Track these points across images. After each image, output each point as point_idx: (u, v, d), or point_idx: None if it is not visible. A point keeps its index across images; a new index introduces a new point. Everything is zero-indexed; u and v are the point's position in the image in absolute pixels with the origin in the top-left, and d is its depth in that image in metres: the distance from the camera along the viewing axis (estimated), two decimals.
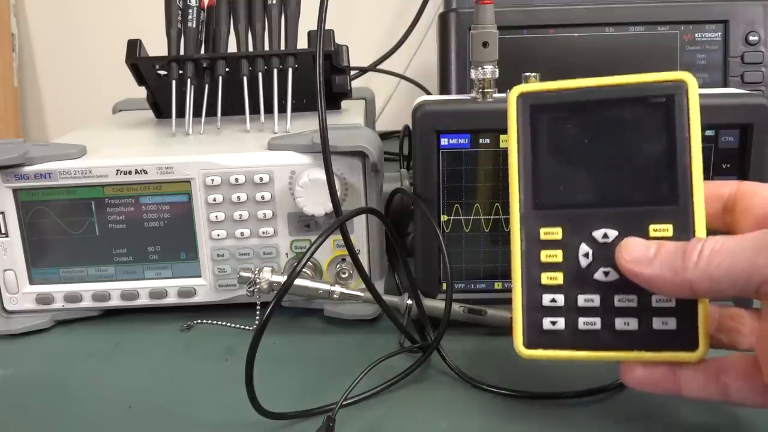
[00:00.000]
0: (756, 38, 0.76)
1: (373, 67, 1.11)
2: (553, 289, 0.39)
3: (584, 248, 0.38)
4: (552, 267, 0.39)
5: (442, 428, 0.41)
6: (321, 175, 0.50)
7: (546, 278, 0.39)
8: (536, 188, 0.40)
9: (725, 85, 0.77)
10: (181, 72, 0.65)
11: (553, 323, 0.39)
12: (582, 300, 0.38)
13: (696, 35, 0.76)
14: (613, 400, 0.43)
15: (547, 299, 0.39)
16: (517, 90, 0.41)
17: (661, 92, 0.38)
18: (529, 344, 0.39)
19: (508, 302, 0.41)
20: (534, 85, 0.40)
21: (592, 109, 0.39)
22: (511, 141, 0.40)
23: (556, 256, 0.39)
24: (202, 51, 0.67)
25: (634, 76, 0.39)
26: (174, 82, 0.65)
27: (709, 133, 0.49)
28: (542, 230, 0.39)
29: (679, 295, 0.35)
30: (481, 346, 0.51)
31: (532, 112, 0.40)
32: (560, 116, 0.40)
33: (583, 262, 0.38)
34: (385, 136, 1.02)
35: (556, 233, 0.39)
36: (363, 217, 0.55)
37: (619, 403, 0.43)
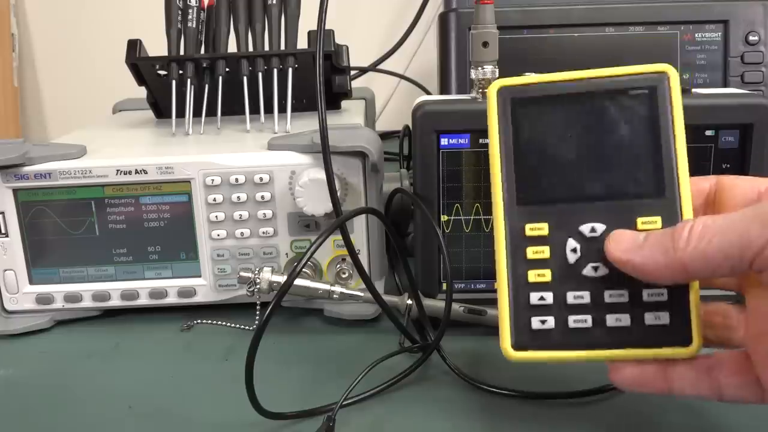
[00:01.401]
0: (756, 38, 0.76)
1: (373, 67, 1.11)
2: (541, 286, 0.38)
3: (572, 243, 0.38)
4: (539, 264, 0.38)
5: (443, 428, 0.41)
6: (321, 175, 0.50)
7: (533, 276, 0.38)
8: (519, 184, 0.39)
9: (725, 85, 0.76)
10: (181, 72, 0.65)
11: (543, 322, 0.37)
12: (571, 297, 0.37)
13: (696, 35, 0.76)
14: (613, 400, 0.43)
15: (535, 297, 0.38)
16: (496, 84, 0.40)
17: (643, 84, 0.38)
18: (517, 345, 0.37)
19: None
20: (514, 78, 0.40)
21: (574, 102, 0.38)
22: (491, 136, 0.39)
23: (543, 252, 0.38)
24: (202, 51, 0.67)
25: (615, 68, 0.38)
26: (174, 82, 0.65)
27: (709, 133, 0.49)
28: (527, 226, 0.38)
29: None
30: (481, 346, 0.51)
31: (513, 106, 0.39)
32: (542, 110, 0.39)
33: (571, 257, 0.37)
34: (385, 136, 1.02)
35: (542, 229, 0.38)
36: (363, 217, 0.55)
37: (619, 403, 0.43)
